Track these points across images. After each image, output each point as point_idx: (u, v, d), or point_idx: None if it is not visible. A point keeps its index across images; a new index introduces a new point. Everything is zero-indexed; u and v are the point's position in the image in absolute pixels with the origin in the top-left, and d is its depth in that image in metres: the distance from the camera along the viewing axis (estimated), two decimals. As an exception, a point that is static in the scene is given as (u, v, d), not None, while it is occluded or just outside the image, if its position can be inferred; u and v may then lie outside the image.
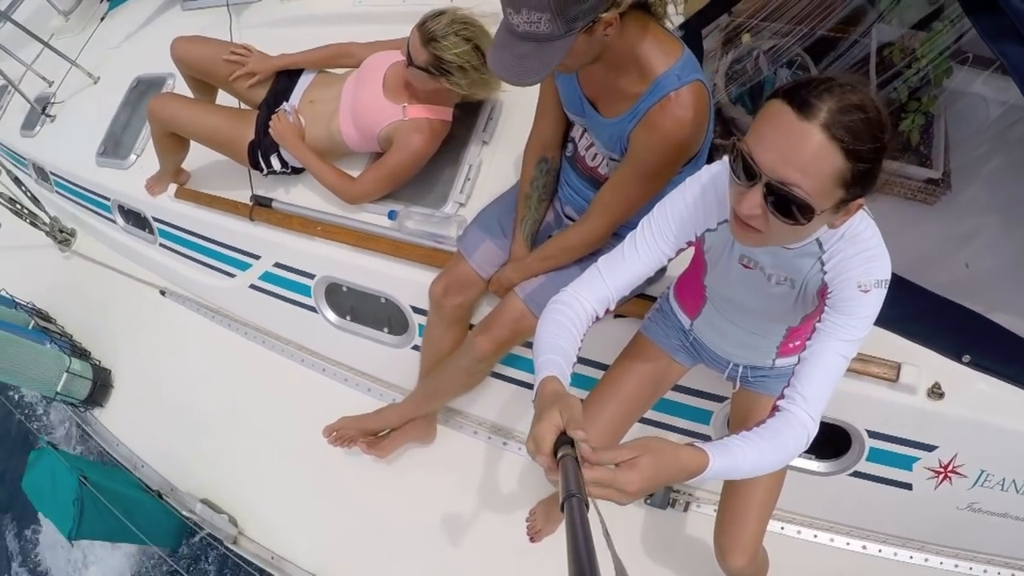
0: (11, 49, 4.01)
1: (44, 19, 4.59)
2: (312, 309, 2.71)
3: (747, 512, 1.63)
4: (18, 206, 3.81)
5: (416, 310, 2.37)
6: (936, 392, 1.78)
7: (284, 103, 2.52)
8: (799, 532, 2.17)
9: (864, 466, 1.99)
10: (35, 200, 3.94)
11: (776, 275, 1.27)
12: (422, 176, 2.35)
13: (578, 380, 2.20)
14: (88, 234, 3.98)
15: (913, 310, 1.76)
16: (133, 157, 3.30)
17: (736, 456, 1.07)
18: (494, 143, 2.35)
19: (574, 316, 1.26)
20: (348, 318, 2.68)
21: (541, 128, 1.92)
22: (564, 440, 0.94)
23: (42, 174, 4.09)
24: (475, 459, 2.45)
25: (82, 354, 3.42)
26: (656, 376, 1.76)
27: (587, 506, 0.81)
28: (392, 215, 2.33)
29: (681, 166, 1.59)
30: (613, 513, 0.89)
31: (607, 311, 1.33)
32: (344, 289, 2.59)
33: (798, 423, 1.11)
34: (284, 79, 2.57)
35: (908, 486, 1.97)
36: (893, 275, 1.14)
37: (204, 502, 2.68)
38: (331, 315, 2.69)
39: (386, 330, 2.57)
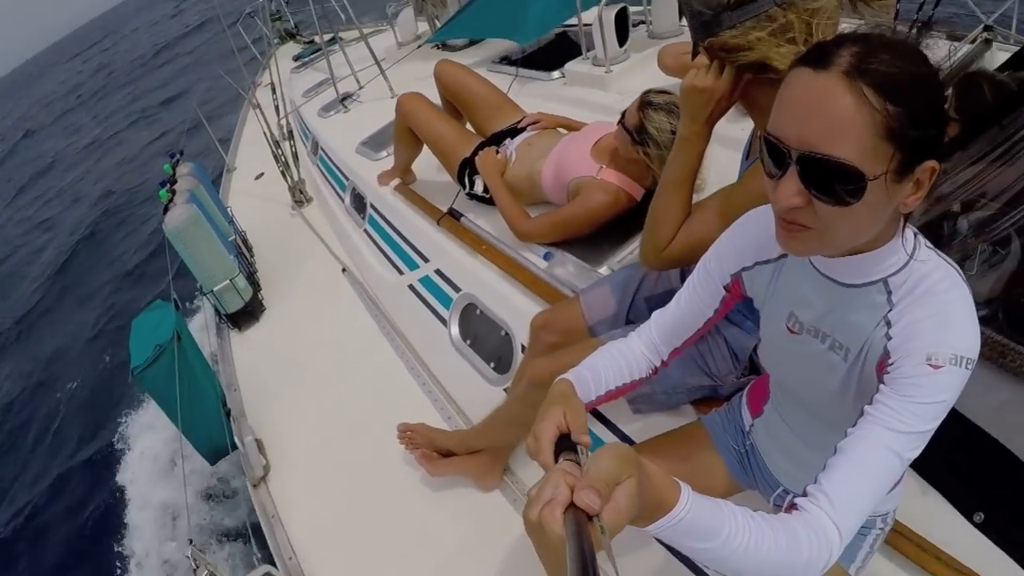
0: (348, 53, 4.94)
1: (385, 39, 5.66)
2: (444, 321, 2.76)
3: None
4: (280, 152, 4.38)
5: (525, 349, 2.30)
6: None
7: (508, 140, 2.70)
8: None
9: None
10: (295, 158, 4.53)
11: (827, 335, 0.98)
12: (592, 236, 2.33)
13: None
14: (319, 206, 4.50)
15: None
16: (384, 154, 3.66)
17: (722, 518, 0.77)
18: None
19: (627, 352, 1.20)
20: (468, 342, 2.67)
21: None
22: (566, 445, 0.85)
23: (315, 147, 4.74)
24: (512, 534, 2.16)
25: (252, 282, 3.74)
26: (692, 474, 1.42)
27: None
28: (547, 256, 2.33)
29: None
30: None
31: (663, 363, 1.22)
32: (478, 312, 2.60)
33: (818, 528, 0.78)
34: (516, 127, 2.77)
35: None
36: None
37: (257, 441, 2.73)
38: (455, 331, 2.71)
39: (492, 365, 2.52)
